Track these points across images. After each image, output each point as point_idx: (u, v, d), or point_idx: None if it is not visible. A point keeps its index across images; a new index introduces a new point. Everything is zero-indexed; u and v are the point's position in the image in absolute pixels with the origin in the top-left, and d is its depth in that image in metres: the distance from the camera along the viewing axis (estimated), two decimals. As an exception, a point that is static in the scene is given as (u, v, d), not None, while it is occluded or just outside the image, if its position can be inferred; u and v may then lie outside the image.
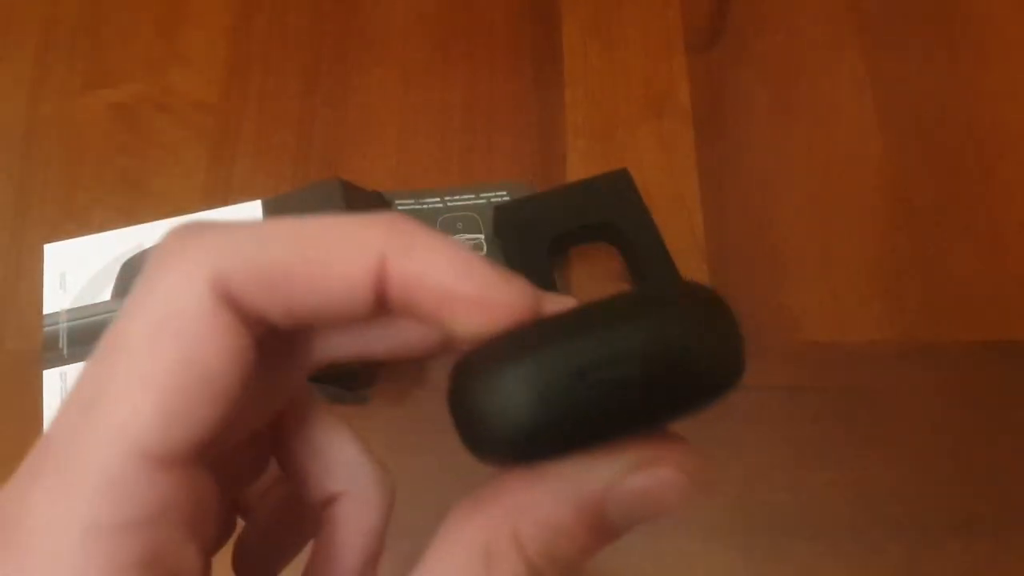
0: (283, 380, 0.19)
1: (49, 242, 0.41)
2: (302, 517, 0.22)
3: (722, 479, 0.38)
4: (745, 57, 0.47)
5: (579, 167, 0.45)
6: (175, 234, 0.16)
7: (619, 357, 0.15)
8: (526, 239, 0.41)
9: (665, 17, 0.48)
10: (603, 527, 0.16)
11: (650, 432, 0.16)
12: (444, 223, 0.43)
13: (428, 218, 0.43)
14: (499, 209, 0.42)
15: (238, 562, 0.22)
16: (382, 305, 0.17)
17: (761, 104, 0.46)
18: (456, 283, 0.16)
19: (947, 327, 0.41)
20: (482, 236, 0.42)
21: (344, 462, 0.20)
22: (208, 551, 0.18)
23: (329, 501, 0.20)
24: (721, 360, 0.15)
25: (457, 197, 0.43)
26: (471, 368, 0.16)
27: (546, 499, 0.16)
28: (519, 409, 0.15)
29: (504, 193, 0.44)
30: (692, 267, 0.42)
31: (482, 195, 0.43)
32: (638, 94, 0.46)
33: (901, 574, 0.36)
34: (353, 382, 0.39)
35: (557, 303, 0.17)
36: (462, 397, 0.16)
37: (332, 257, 0.16)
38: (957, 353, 0.40)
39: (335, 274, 0.16)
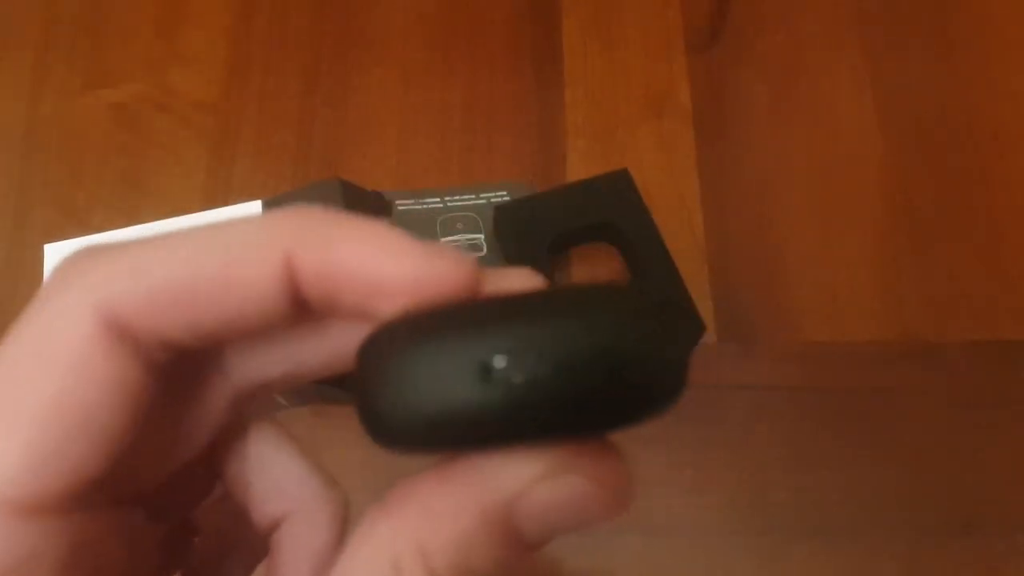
0: (212, 403, 0.18)
1: (49, 243, 0.41)
2: (248, 537, 0.21)
3: (720, 480, 0.38)
4: (745, 57, 0.47)
5: (579, 167, 0.45)
6: (64, 260, 0.15)
7: (529, 357, 0.13)
8: (526, 239, 0.41)
9: (665, 17, 0.48)
10: (515, 538, 0.15)
11: (570, 438, 0.14)
12: (444, 223, 0.43)
13: (428, 218, 0.43)
14: (499, 209, 0.42)
15: None
16: (302, 308, 0.16)
17: (761, 104, 0.46)
18: (379, 265, 0.15)
19: (947, 327, 0.41)
20: (482, 236, 0.42)
21: (287, 481, 0.19)
22: None
23: (275, 524, 0.19)
24: (651, 376, 0.13)
25: (457, 197, 0.43)
26: (371, 346, 0.14)
27: (452, 508, 0.14)
28: (410, 397, 0.13)
29: (504, 193, 0.44)
30: (692, 267, 0.42)
31: (482, 195, 0.43)
32: (638, 94, 0.46)
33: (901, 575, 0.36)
34: (345, 382, 0.39)
35: (503, 281, 0.16)
36: (361, 375, 0.14)
37: (231, 264, 0.15)
38: (957, 353, 0.40)
39: (237, 282, 0.15)
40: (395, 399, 0.14)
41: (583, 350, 0.13)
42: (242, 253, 0.15)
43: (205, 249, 0.15)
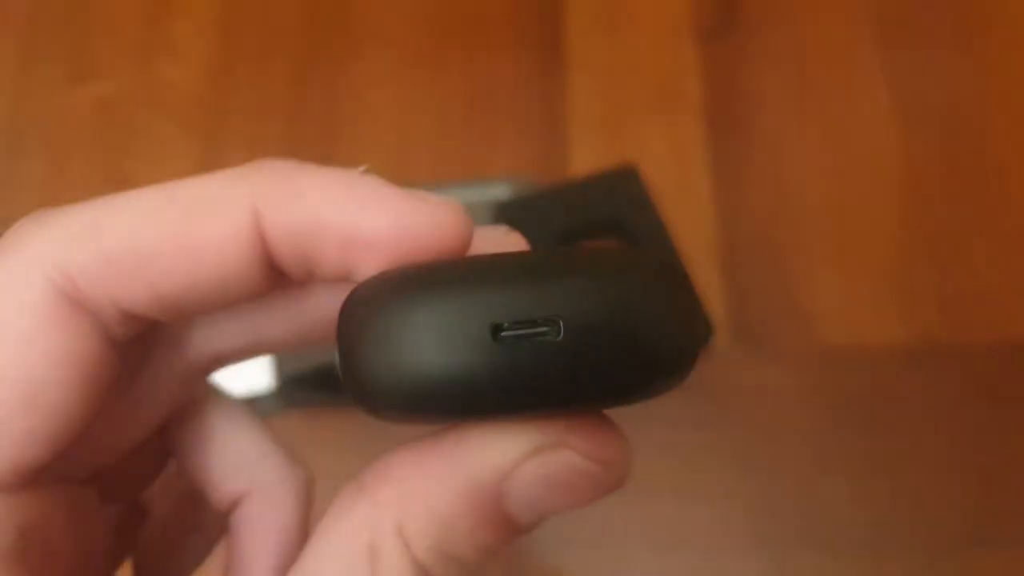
0: (165, 376, 0.17)
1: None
2: (203, 517, 0.20)
3: (730, 488, 0.37)
4: (758, 48, 0.47)
5: (584, 161, 0.44)
6: (17, 225, 0.14)
7: (542, 316, 0.12)
8: (529, 237, 0.40)
9: (674, 5, 0.48)
10: (503, 520, 0.14)
11: (570, 412, 0.13)
12: (444, 220, 0.42)
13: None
14: (501, 206, 0.41)
15: (138, 568, 0.19)
16: (274, 270, 0.14)
17: (774, 97, 0.46)
18: (358, 216, 0.13)
19: (966, 328, 0.40)
20: (483, 234, 0.42)
21: (246, 458, 0.18)
22: (94, 563, 0.16)
23: (234, 503, 0.18)
24: (670, 343, 0.12)
25: (457, 192, 0.43)
26: (362, 300, 0.13)
27: (434, 486, 0.14)
28: (409, 358, 0.12)
29: (506, 188, 0.43)
30: (703, 266, 0.41)
31: (483, 190, 0.43)
32: (646, 85, 0.46)
33: (919, 586, 0.36)
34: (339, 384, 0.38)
35: (496, 240, 0.15)
36: (346, 333, 0.13)
37: (196, 223, 0.14)
38: (977, 355, 0.40)
39: (202, 244, 0.14)
40: (385, 360, 0.12)
41: (594, 313, 0.12)
42: (204, 210, 0.14)
43: (165, 208, 0.14)
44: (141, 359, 0.16)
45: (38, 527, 0.14)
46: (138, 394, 0.17)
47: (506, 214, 0.40)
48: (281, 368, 0.37)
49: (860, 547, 0.36)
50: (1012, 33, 0.47)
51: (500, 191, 0.43)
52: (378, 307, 0.13)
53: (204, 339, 0.17)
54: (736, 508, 0.37)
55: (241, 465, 0.18)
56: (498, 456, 0.13)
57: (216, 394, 0.19)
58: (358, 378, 0.13)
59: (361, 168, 0.15)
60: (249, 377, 0.37)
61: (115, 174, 0.45)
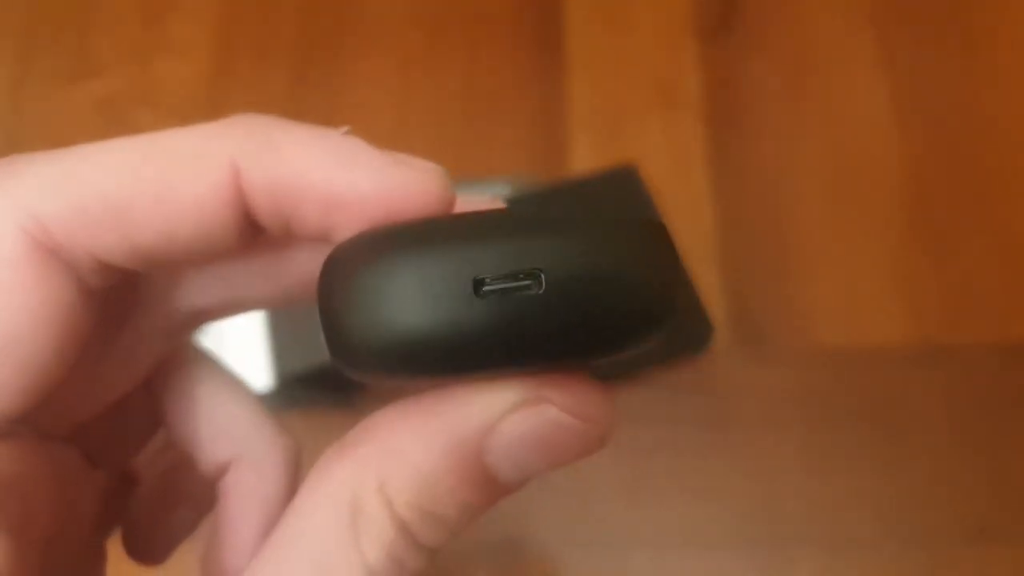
0: (144, 330, 0.17)
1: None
2: (193, 487, 0.19)
3: (731, 488, 0.37)
4: (758, 47, 0.47)
5: (583, 160, 0.44)
6: None
7: (523, 269, 0.12)
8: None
9: (673, 4, 0.47)
10: (485, 478, 0.14)
11: (552, 368, 0.13)
12: (443, 220, 0.42)
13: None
14: (500, 206, 0.41)
15: (127, 538, 0.19)
16: (253, 227, 0.14)
17: (774, 96, 0.45)
18: (338, 174, 0.13)
19: (965, 329, 0.40)
20: (482, 233, 0.41)
21: (235, 424, 0.18)
22: (80, 531, 0.16)
23: (222, 470, 0.18)
24: (648, 294, 0.13)
25: (457, 191, 0.42)
26: (343, 259, 0.13)
27: (416, 443, 0.13)
28: (392, 315, 0.12)
29: (506, 186, 0.43)
30: (702, 265, 0.41)
31: (482, 189, 0.43)
32: (646, 83, 0.46)
33: (919, 586, 0.36)
34: (341, 383, 0.38)
35: (480, 204, 0.15)
36: (328, 292, 0.13)
37: (172, 175, 0.13)
38: (975, 356, 0.40)
39: (178, 195, 0.13)
40: (368, 317, 0.12)
41: (573, 266, 0.12)
42: (183, 162, 0.14)
43: (142, 158, 0.14)
44: (121, 314, 0.16)
45: (15, 481, 0.14)
46: (119, 348, 0.16)
47: (505, 213, 0.41)
48: (281, 368, 0.37)
49: (860, 545, 0.36)
50: (1011, 33, 0.47)
51: (500, 190, 0.42)
52: (360, 265, 0.13)
53: (185, 294, 0.17)
54: (736, 506, 0.37)
55: (230, 432, 0.18)
56: (480, 412, 0.13)
57: (207, 362, 0.18)
58: (342, 337, 0.13)
59: (343, 129, 0.15)
60: (249, 377, 0.37)
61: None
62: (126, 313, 0.16)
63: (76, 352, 0.14)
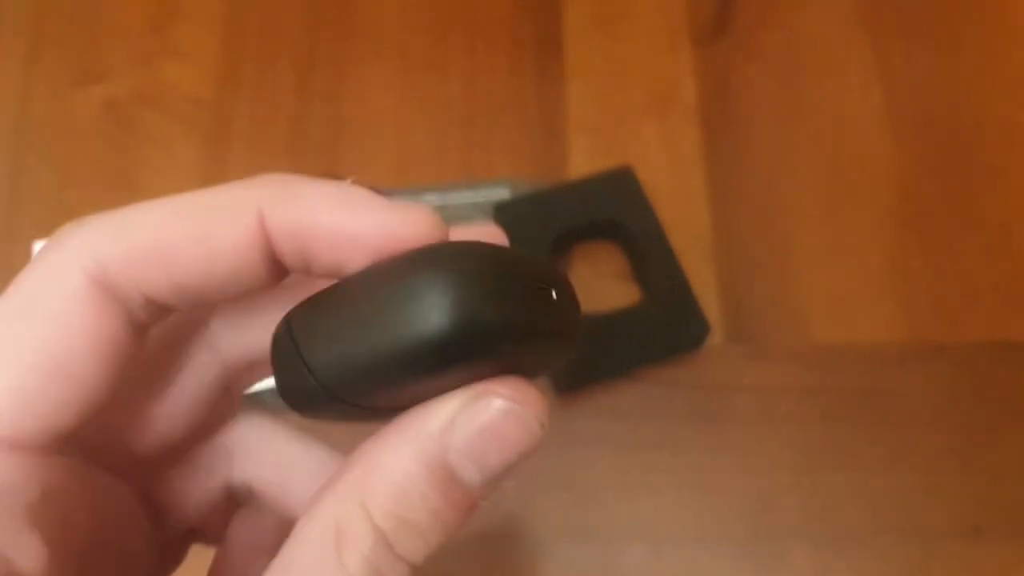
0: (199, 379, 0.19)
1: (40, 240, 0.40)
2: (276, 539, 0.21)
3: (727, 484, 0.38)
4: (752, 51, 0.47)
5: (582, 163, 0.44)
6: (59, 231, 0.16)
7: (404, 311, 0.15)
8: (527, 237, 0.40)
9: (670, 9, 0.48)
10: (451, 479, 0.15)
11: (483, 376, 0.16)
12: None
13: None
14: (499, 207, 0.41)
15: None
16: (279, 266, 0.16)
17: (768, 100, 0.46)
18: (346, 219, 0.16)
19: (957, 328, 0.40)
20: (483, 234, 0.42)
21: (310, 474, 0.20)
22: (128, 569, 0.17)
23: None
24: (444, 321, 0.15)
25: (456, 194, 0.43)
26: (301, 313, 0.16)
27: (390, 456, 0.15)
28: (337, 344, 0.15)
29: (504, 190, 0.43)
30: (698, 266, 0.41)
31: (482, 192, 0.43)
32: (642, 88, 0.46)
33: (912, 581, 0.36)
34: None
35: (473, 235, 0.17)
36: (280, 342, 0.16)
37: (210, 222, 0.16)
38: (967, 354, 0.40)
39: (215, 239, 0.16)
40: (324, 347, 0.15)
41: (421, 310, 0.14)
42: (218, 212, 0.16)
43: (185, 211, 0.16)
44: (175, 358, 0.19)
45: (59, 493, 0.16)
46: (175, 391, 0.19)
47: (505, 215, 0.41)
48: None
49: (855, 540, 0.37)
50: (1004, 34, 0.47)
51: (499, 192, 0.43)
52: (313, 316, 0.16)
53: (233, 341, 0.19)
54: (732, 501, 0.37)
55: (304, 481, 0.20)
56: (439, 413, 0.15)
57: (275, 426, 0.21)
58: (309, 368, 0.15)
59: (349, 180, 0.17)
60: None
61: (120, 175, 0.45)
62: (180, 358, 0.19)
63: (120, 377, 0.16)
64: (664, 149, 0.44)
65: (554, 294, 0.16)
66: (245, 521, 0.21)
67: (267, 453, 0.20)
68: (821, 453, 0.38)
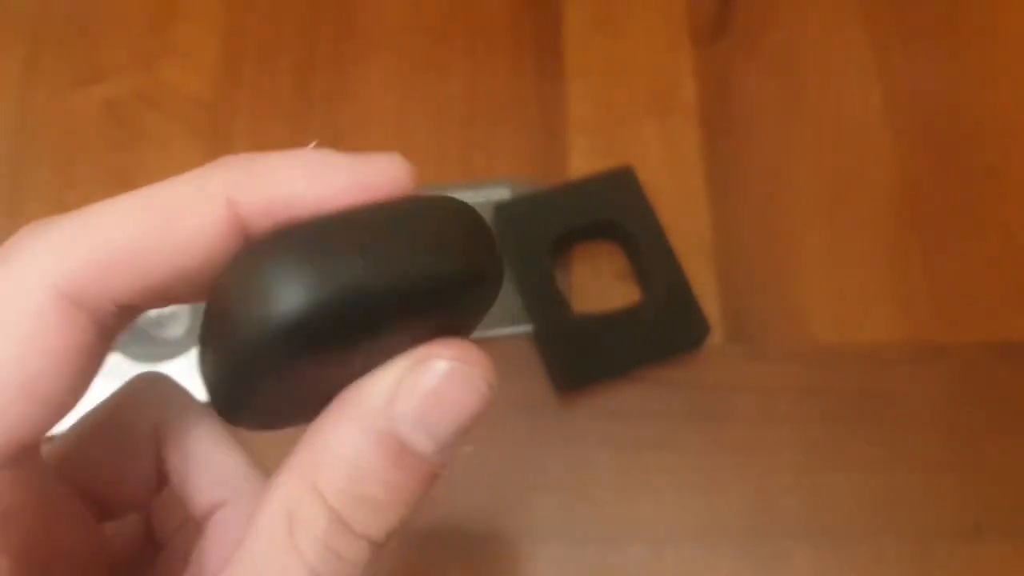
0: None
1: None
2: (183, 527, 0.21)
3: (727, 483, 0.38)
4: (752, 51, 0.47)
5: (582, 163, 0.44)
6: (17, 235, 0.16)
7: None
8: (527, 238, 0.40)
9: (670, 9, 0.48)
10: (402, 450, 0.15)
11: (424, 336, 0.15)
12: (444, 221, 0.42)
13: (427, 216, 0.42)
14: (500, 207, 0.41)
15: None
16: None
17: (768, 100, 0.46)
18: (316, 183, 0.15)
19: (958, 328, 0.40)
20: (483, 234, 0.42)
21: (227, 472, 0.19)
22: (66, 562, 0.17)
23: (211, 511, 0.19)
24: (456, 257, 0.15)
25: (457, 194, 0.43)
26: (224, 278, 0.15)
27: (338, 433, 0.15)
28: (286, 292, 0.14)
29: (505, 190, 0.43)
30: (697, 266, 0.41)
31: (482, 192, 0.43)
32: (642, 89, 0.46)
33: (911, 580, 0.36)
34: None
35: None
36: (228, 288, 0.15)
37: (178, 217, 0.15)
38: (967, 355, 0.40)
39: (185, 234, 0.15)
40: (251, 309, 0.14)
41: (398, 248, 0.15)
42: (185, 205, 0.15)
43: (149, 208, 0.15)
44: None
45: (19, 507, 0.15)
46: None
47: (505, 215, 0.41)
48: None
49: (855, 540, 0.37)
50: (1003, 35, 0.47)
51: (500, 192, 0.43)
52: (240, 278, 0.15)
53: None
54: (731, 502, 0.37)
55: (222, 479, 0.19)
56: (379, 386, 0.15)
57: (205, 417, 0.20)
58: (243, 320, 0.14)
59: (311, 144, 0.17)
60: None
61: (121, 175, 0.45)
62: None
63: (87, 383, 0.16)
64: (664, 149, 0.44)
65: (475, 234, 0.16)
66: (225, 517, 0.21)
67: (184, 441, 0.20)
68: (821, 453, 0.38)
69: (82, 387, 0.15)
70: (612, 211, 0.41)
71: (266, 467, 0.20)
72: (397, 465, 0.15)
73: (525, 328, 0.40)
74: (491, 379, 0.15)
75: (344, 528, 0.15)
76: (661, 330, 0.39)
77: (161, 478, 0.20)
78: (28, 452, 0.15)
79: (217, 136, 0.45)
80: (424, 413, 0.15)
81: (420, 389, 0.15)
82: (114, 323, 0.16)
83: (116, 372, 0.20)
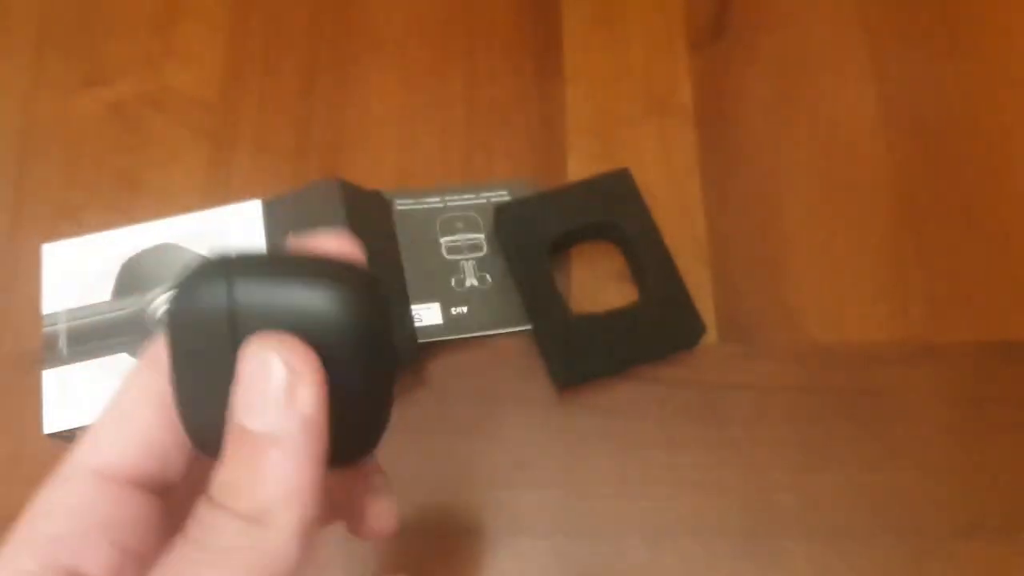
0: None
1: (47, 242, 0.41)
2: None
3: (723, 482, 0.38)
4: (748, 55, 0.47)
5: (580, 166, 0.44)
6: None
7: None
8: (526, 239, 0.41)
9: (667, 14, 0.48)
10: (259, 445, 0.18)
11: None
12: (444, 223, 0.42)
13: (428, 218, 0.42)
14: (499, 209, 0.41)
15: None
16: None
17: (764, 102, 0.46)
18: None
19: (952, 328, 0.40)
20: (482, 236, 0.42)
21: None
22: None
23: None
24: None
25: (457, 196, 0.43)
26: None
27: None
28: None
29: (505, 192, 0.43)
30: (693, 266, 0.41)
31: (482, 194, 0.43)
32: (640, 92, 0.46)
33: (905, 577, 0.36)
34: None
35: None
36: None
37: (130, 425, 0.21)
38: (962, 354, 0.40)
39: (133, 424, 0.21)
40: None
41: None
42: (126, 404, 0.21)
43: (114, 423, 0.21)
44: None
45: (131, 518, 0.20)
46: None
47: (505, 217, 0.41)
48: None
49: (852, 538, 0.37)
50: (998, 37, 0.47)
51: (500, 195, 0.43)
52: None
53: None
54: (728, 500, 0.37)
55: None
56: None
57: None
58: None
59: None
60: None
61: (126, 177, 0.45)
62: None
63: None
64: (661, 151, 0.44)
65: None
66: None
67: None
68: (818, 452, 0.38)
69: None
70: (610, 213, 0.41)
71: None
72: (260, 458, 0.18)
73: (524, 327, 0.40)
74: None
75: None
76: (658, 329, 0.39)
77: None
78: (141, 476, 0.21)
79: (222, 138, 0.46)
80: (260, 402, 0.18)
81: (244, 384, 0.18)
82: (146, 489, 0.21)
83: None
